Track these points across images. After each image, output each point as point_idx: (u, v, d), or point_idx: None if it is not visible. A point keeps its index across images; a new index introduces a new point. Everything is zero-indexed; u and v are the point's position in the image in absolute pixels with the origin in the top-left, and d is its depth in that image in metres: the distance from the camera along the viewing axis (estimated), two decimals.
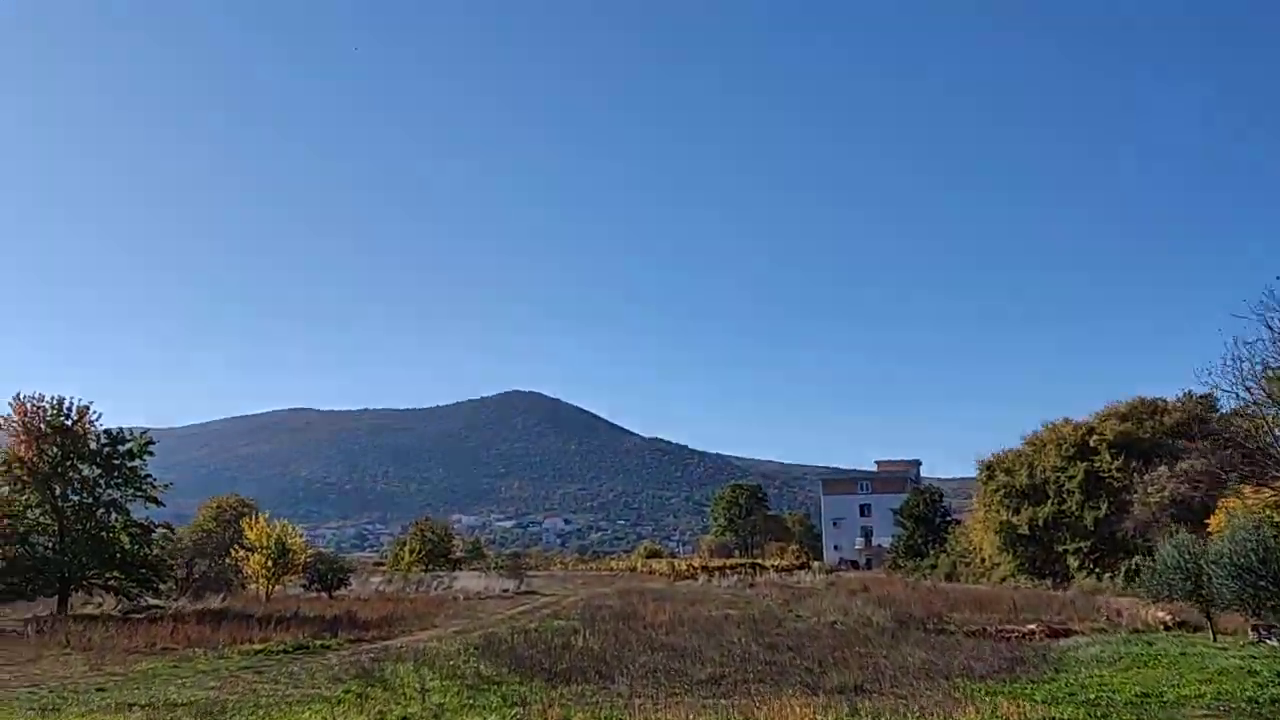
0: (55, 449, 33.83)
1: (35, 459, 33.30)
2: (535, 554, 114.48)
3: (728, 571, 68.55)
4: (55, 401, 34.10)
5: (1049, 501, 55.04)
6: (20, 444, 33.38)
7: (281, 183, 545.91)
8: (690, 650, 21.44)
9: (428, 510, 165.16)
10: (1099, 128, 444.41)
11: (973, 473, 65.26)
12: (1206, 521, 34.92)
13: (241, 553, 44.73)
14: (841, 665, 18.92)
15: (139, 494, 35.77)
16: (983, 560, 60.89)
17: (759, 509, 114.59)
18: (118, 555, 34.60)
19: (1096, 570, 50.54)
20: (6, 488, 33.63)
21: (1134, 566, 47.01)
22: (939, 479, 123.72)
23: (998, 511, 57.97)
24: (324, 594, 46.18)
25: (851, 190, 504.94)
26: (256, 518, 46.51)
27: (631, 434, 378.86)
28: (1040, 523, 55.07)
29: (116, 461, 35.23)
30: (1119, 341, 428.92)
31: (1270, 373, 25.29)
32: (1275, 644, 22.75)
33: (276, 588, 44.58)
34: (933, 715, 13.22)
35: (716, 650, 21.56)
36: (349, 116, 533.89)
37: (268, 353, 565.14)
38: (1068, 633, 27.55)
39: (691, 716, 13.12)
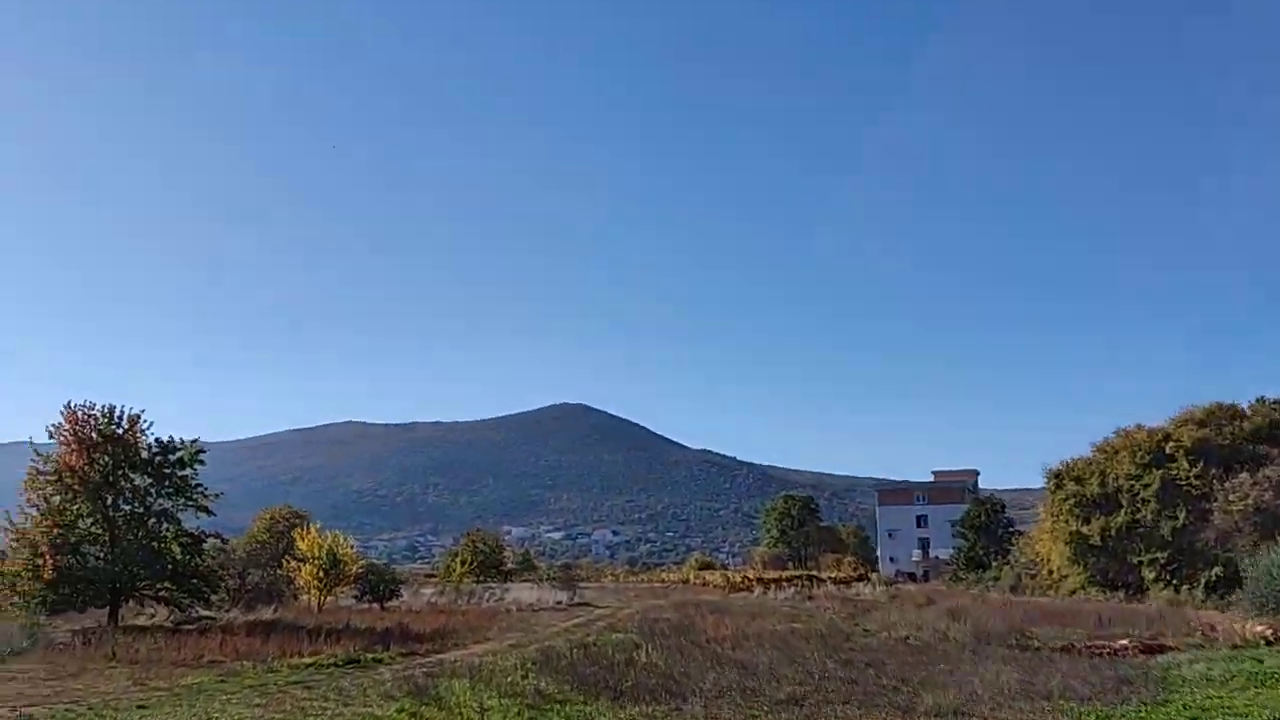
0: (106, 458, 33.24)
1: (86, 468, 32.74)
2: (586, 565, 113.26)
3: (784, 584, 66.88)
4: (106, 410, 33.57)
5: (1122, 510, 52.61)
6: (71, 453, 32.88)
7: (340, 198, 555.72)
8: (761, 667, 20.07)
9: (478, 522, 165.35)
10: (1192, 125, 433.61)
11: (1030, 483, 63.55)
12: None
13: (293, 563, 44.26)
14: (930, 684, 17.47)
15: (190, 503, 35.14)
16: (1050, 572, 58.62)
17: (811, 520, 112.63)
18: (169, 565, 33.94)
19: (1174, 582, 48.21)
20: (58, 497, 33.06)
21: (1214, 578, 44.89)
22: (996, 489, 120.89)
23: (1067, 521, 55.65)
24: (376, 605, 45.47)
25: (907, 189, 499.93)
26: (308, 528, 46.03)
27: (680, 445, 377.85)
28: (1113, 533, 52.66)
29: (167, 470, 34.65)
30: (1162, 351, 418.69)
31: None
32: None
33: (328, 599, 43.93)
34: None
35: (789, 667, 20.17)
36: (399, 132, 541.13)
37: (321, 367, 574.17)
38: (1162, 649, 25.75)
39: None
